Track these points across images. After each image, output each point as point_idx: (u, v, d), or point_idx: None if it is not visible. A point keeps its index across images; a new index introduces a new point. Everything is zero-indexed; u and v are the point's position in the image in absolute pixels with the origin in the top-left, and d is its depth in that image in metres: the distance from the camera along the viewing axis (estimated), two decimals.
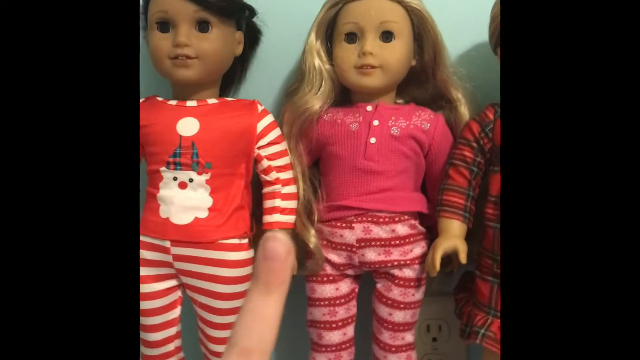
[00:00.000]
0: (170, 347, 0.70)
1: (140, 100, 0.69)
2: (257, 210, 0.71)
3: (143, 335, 0.69)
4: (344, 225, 0.69)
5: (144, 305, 0.68)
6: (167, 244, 0.66)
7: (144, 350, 0.70)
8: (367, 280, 0.73)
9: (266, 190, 0.70)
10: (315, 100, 0.69)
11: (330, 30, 0.70)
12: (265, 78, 0.77)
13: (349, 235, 0.68)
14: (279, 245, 0.27)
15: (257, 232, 0.70)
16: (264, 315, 0.28)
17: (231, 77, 0.74)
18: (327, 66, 0.69)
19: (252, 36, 0.73)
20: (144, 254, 0.67)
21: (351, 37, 0.68)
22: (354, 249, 0.69)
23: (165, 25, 0.65)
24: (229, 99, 0.71)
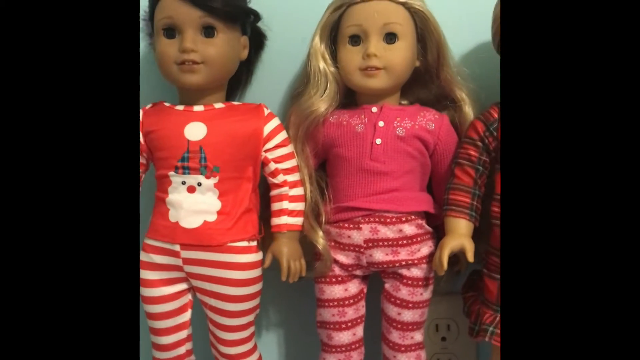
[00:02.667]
0: (182, 350, 0.70)
1: (148, 106, 0.70)
2: (265, 213, 0.72)
3: (154, 338, 0.70)
4: (351, 226, 0.69)
5: (155, 309, 0.68)
6: (177, 247, 0.66)
7: (155, 353, 0.71)
8: (375, 280, 0.74)
9: (274, 192, 0.71)
10: (321, 102, 0.69)
11: (334, 33, 0.70)
12: (270, 82, 0.77)
13: (357, 236, 0.69)
14: None
15: (265, 235, 0.71)
16: None
17: (237, 81, 0.75)
18: (332, 69, 0.70)
19: (257, 40, 0.74)
20: (154, 258, 0.67)
21: (355, 40, 0.68)
22: (361, 250, 0.69)
23: (171, 32, 0.66)
24: (235, 102, 0.71)
